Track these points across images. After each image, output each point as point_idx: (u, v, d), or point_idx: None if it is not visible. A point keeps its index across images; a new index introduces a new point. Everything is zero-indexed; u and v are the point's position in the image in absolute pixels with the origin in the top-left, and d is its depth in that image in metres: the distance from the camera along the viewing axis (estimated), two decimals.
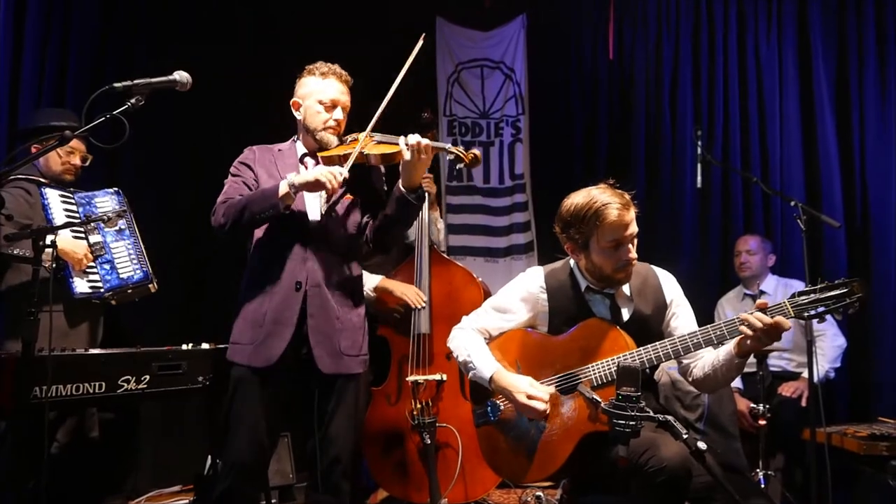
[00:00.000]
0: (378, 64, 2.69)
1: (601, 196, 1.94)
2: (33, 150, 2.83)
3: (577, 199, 1.98)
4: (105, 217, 2.69)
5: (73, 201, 2.83)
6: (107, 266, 2.76)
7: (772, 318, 1.76)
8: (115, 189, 2.93)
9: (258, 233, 2.17)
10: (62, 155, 2.86)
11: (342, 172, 2.03)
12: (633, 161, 4.23)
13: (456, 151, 2.10)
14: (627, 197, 1.97)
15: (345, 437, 2.13)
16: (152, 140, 3.39)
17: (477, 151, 2.12)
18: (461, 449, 2.87)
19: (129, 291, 2.81)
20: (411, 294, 3.02)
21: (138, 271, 2.79)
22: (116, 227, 2.81)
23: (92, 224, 2.75)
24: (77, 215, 2.79)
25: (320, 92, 2.19)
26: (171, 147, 3.80)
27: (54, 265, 2.61)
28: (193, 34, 4.03)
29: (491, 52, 4.48)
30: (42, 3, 3.50)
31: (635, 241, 1.98)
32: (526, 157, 4.42)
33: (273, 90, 2.28)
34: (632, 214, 1.95)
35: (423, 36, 2.17)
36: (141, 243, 2.88)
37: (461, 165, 2.15)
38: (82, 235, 2.78)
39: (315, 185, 2.03)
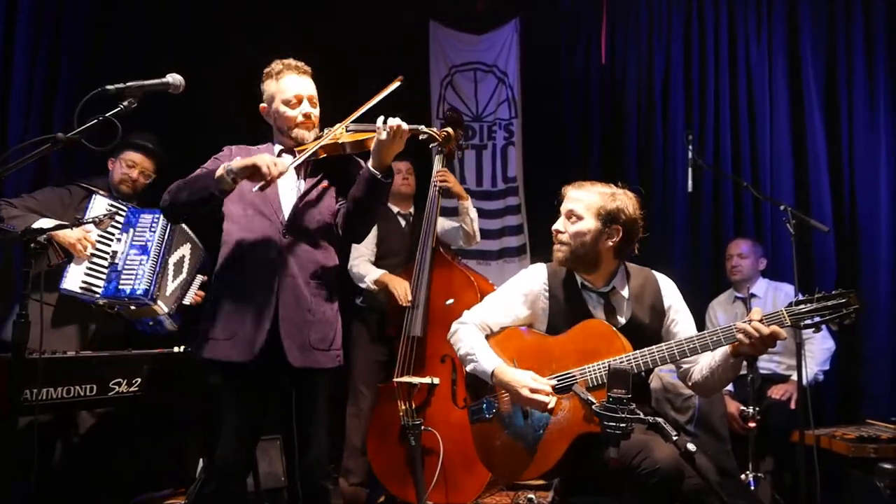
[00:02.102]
0: (372, 66, 2.70)
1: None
2: (109, 163, 3.02)
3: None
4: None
5: (123, 213, 2.88)
6: (113, 275, 2.77)
7: (768, 327, 1.78)
8: None
9: (229, 225, 2.12)
10: (122, 166, 2.99)
11: (283, 164, 1.97)
12: (626, 165, 4.25)
13: (429, 132, 2.10)
14: (589, 184, 2.09)
15: (319, 436, 2.10)
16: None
17: (450, 129, 2.12)
18: (442, 455, 2.88)
19: (133, 308, 2.82)
20: (400, 290, 3.03)
21: (139, 286, 2.76)
22: (141, 243, 2.83)
23: (124, 231, 2.84)
24: (118, 224, 2.85)
25: (281, 91, 2.15)
26: (165, 149, 3.79)
27: (60, 260, 2.69)
28: (188, 36, 4.02)
29: (484, 56, 4.49)
30: (33, 6, 3.48)
31: (570, 218, 2.06)
32: (519, 160, 4.43)
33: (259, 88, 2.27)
34: (571, 194, 2.07)
35: (399, 78, 2.15)
36: (168, 266, 2.88)
37: (435, 145, 2.15)
38: (107, 240, 2.82)
39: (253, 171, 1.94)
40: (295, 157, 2.16)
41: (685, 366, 2.04)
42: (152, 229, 2.86)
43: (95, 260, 2.78)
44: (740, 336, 1.82)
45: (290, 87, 2.15)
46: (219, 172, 1.97)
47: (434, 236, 3.10)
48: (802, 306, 1.82)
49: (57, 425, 2.75)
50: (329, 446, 2.19)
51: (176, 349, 2.56)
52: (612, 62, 4.37)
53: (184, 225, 2.97)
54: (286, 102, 2.15)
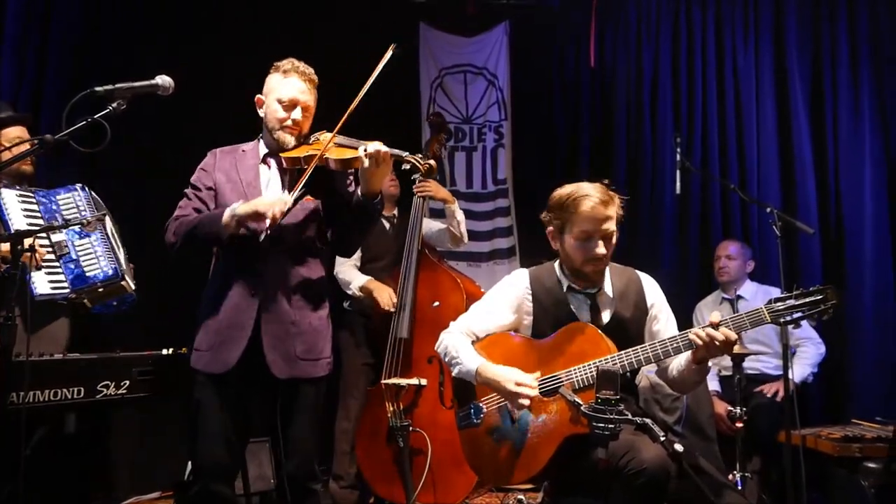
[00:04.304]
0: (362, 69, 2.70)
1: (585, 188, 2.02)
2: None
3: (566, 188, 2.06)
4: (85, 221, 2.61)
5: (33, 200, 2.68)
6: (71, 265, 2.63)
7: (722, 332, 1.84)
8: (80, 185, 2.80)
9: None
10: (6, 145, 2.69)
11: (286, 200, 2.00)
12: (614, 167, 4.27)
13: (412, 160, 2.09)
14: (614, 197, 2.03)
15: (306, 441, 2.12)
16: (128, 140, 3.37)
17: (433, 162, 2.12)
18: (430, 455, 2.88)
19: (101, 290, 2.69)
20: (384, 297, 3.03)
21: (107, 267, 2.65)
22: (80, 225, 2.65)
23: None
24: (38, 214, 2.65)
25: (280, 90, 2.14)
26: (145, 147, 3.78)
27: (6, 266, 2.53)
28: (186, 36, 4.02)
29: (474, 58, 4.50)
30: (21, 4, 3.46)
31: (611, 240, 2.03)
32: (508, 162, 4.45)
33: (252, 92, 2.27)
34: (610, 212, 2.01)
35: (392, 46, 2.15)
36: (111, 239, 2.75)
37: (417, 176, 2.14)
38: (43, 234, 2.60)
39: (256, 217, 2.00)
40: (279, 160, 2.18)
41: (664, 364, 2.07)
42: (80, 209, 2.71)
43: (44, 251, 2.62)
44: (693, 338, 1.87)
45: (290, 89, 2.15)
46: (225, 219, 2.02)
47: (419, 239, 3.10)
48: (781, 303, 1.87)
49: (44, 428, 2.72)
50: (317, 449, 2.21)
51: (164, 351, 2.54)
52: (601, 65, 4.40)
53: (93, 193, 2.84)
54: (280, 101, 2.15)
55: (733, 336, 1.84)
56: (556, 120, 4.44)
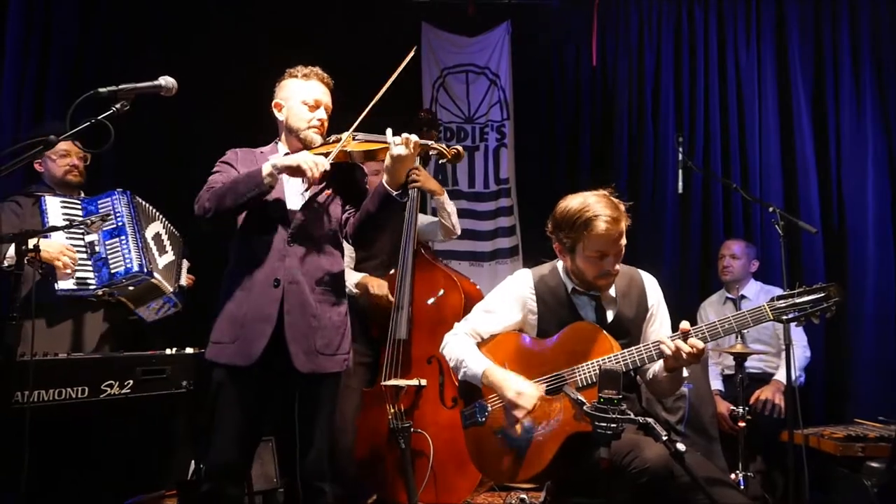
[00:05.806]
0: (364, 70, 2.71)
1: (595, 206, 1.96)
2: (37, 166, 2.91)
3: (573, 203, 2.01)
4: (88, 221, 2.66)
5: (78, 206, 2.81)
6: (99, 263, 2.73)
7: (688, 342, 1.85)
8: (121, 190, 2.88)
9: (238, 231, 2.16)
10: (55, 159, 2.86)
11: (325, 163, 2.04)
12: (616, 166, 4.28)
13: (439, 147, 2.10)
14: (622, 209, 2.00)
15: (322, 439, 2.11)
16: (132, 140, 3.37)
17: (460, 147, 2.13)
18: (433, 456, 2.88)
19: (131, 288, 2.76)
20: (376, 288, 2.99)
21: (131, 263, 2.71)
22: (113, 226, 2.77)
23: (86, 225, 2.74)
24: (80, 218, 2.75)
25: (303, 92, 2.20)
26: (149, 147, 3.78)
27: (41, 268, 2.61)
28: (173, 33, 4.02)
29: (476, 58, 4.51)
30: (22, 5, 3.47)
31: (621, 254, 2.02)
32: (511, 161, 4.45)
33: (254, 91, 2.28)
34: (621, 228, 1.97)
35: (414, 48, 2.18)
36: (147, 242, 2.83)
37: (444, 161, 2.15)
38: (79, 236, 2.76)
39: (296, 171, 2.04)
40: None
41: (647, 364, 2.06)
42: (116, 211, 2.80)
43: (76, 255, 2.72)
44: (662, 349, 1.87)
45: (314, 91, 2.21)
46: (267, 170, 2.03)
47: (415, 235, 3.08)
48: (783, 301, 1.87)
49: (48, 428, 2.73)
50: (330, 449, 2.20)
51: (168, 351, 2.55)
52: (602, 65, 4.40)
53: (145, 203, 2.94)
54: (305, 103, 2.19)
55: (700, 345, 1.85)
56: (558, 119, 4.43)
